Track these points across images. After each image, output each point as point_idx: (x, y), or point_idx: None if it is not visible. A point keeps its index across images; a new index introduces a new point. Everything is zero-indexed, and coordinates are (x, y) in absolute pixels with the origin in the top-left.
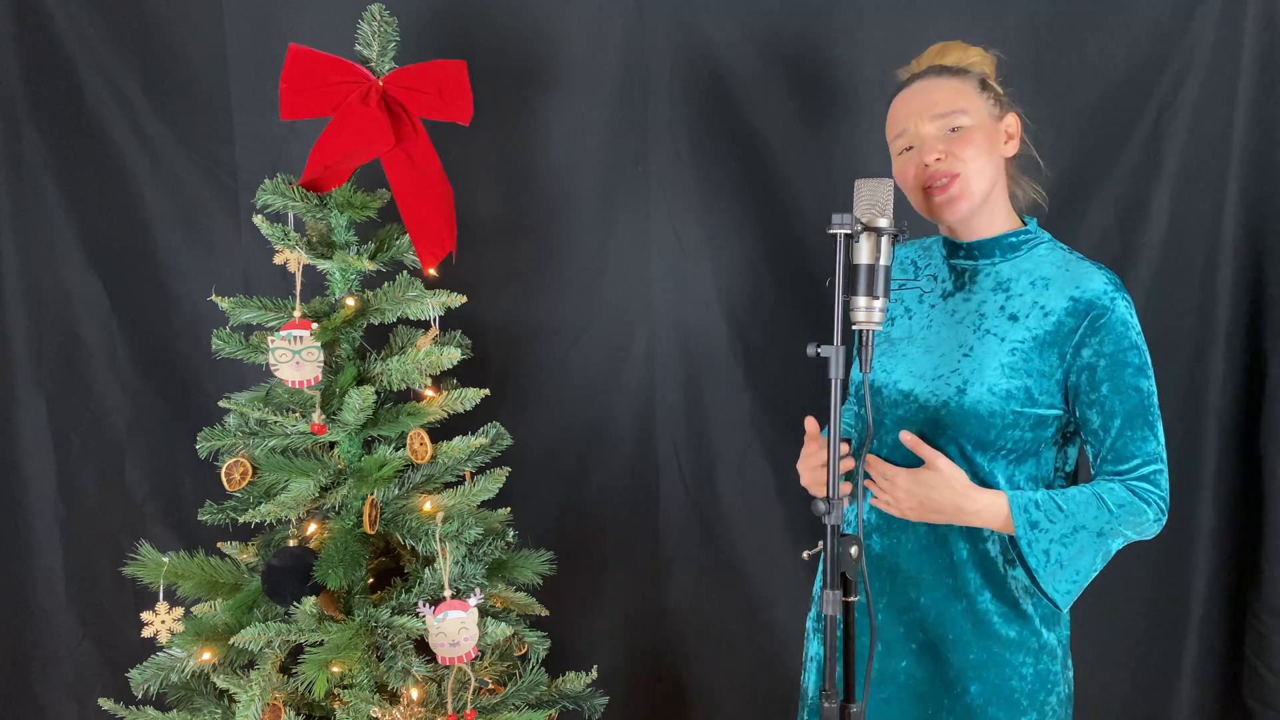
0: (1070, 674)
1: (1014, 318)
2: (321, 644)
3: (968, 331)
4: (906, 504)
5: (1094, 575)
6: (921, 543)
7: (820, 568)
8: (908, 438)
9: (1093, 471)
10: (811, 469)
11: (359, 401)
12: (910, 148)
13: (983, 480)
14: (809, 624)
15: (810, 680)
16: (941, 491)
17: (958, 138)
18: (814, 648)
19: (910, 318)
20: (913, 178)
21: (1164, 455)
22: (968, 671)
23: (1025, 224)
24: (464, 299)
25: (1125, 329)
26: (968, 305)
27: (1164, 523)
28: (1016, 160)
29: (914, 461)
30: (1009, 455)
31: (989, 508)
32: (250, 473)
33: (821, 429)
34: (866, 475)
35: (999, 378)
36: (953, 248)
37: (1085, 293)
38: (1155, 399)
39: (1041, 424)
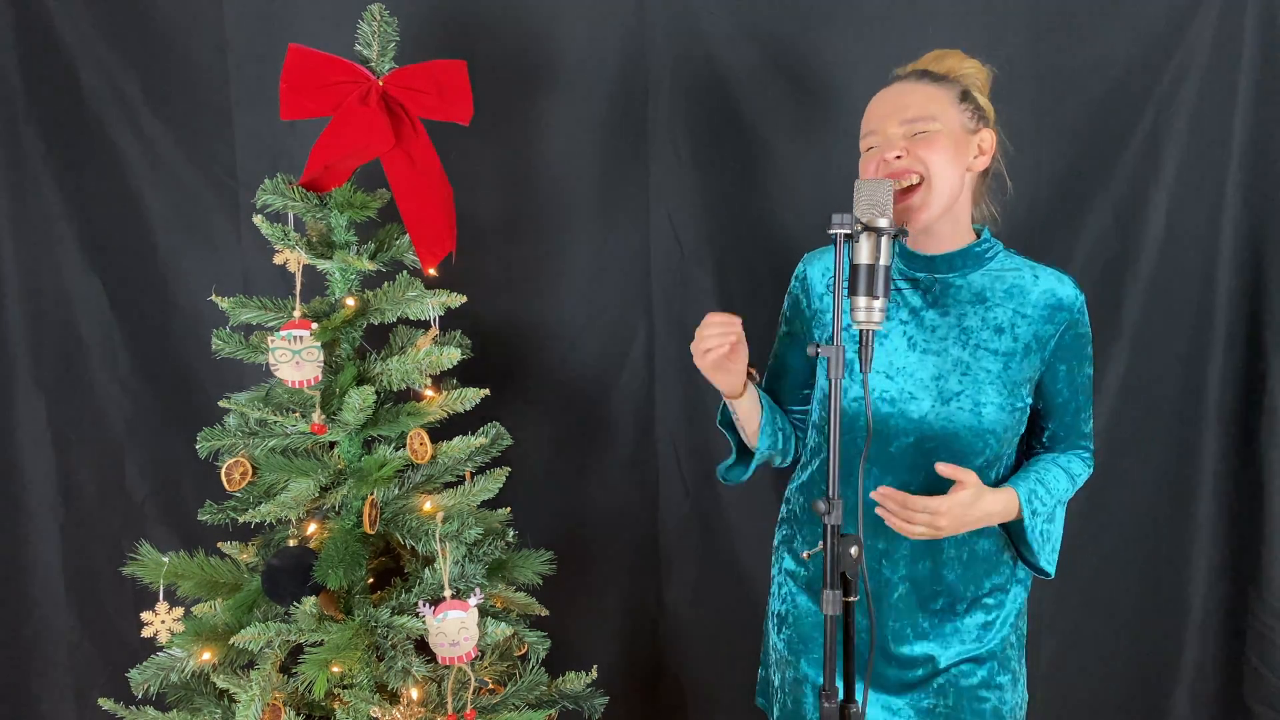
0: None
1: (1000, 330)
2: (321, 644)
3: (957, 347)
4: (949, 527)
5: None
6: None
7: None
8: (944, 469)
9: (1043, 442)
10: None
11: (359, 401)
12: (874, 148)
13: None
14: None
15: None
16: (975, 505)
17: (921, 140)
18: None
19: (886, 337)
20: (873, 175)
21: None
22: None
23: (979, 235)
24: (464, 299)
25: (1089, 330)
26: (947, 320)
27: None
28: (984, 178)
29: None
30: (1006, 455)
31: (1006, 505)
32: (250, 473)
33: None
34: (870, 500)
35: (1003, 393)
36: (910, 258)
37: (1060, 298)
38: None
39: (1025, 420)
